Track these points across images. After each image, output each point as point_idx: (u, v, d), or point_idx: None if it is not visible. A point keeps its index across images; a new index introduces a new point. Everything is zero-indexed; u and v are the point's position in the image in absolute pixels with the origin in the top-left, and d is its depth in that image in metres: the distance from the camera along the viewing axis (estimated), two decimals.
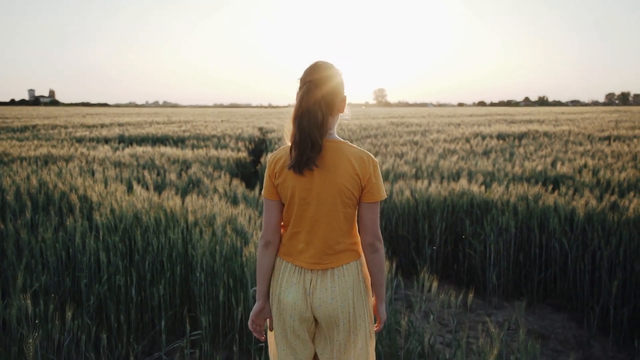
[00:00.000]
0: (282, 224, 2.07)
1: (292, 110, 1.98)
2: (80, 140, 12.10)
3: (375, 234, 2.00)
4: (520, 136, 12.22)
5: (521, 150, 9.32)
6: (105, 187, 5.64)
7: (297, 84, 2.00)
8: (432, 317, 3.59)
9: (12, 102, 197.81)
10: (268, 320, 2.13)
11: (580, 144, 10.29)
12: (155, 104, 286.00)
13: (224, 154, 9.09)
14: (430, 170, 7.45)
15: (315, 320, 2.04)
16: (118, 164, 7.63)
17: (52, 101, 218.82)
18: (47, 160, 7.83)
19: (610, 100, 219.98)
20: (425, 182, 6.09)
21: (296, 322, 2.01)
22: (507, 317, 4.69)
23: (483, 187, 5.72)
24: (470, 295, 3.38)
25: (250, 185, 8.06)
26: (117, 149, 10.02)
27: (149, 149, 9.35)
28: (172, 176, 6.62)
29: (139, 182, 6.40)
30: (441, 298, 3.75)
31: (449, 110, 65.43)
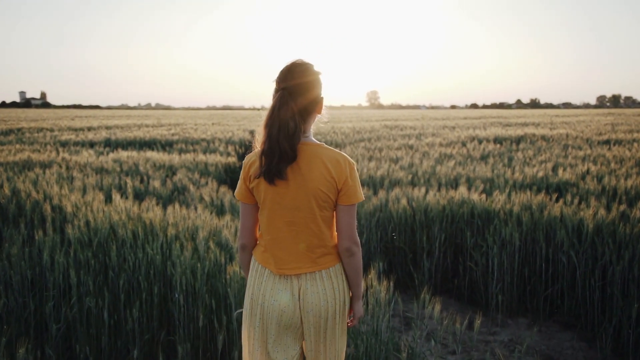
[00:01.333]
0: (257, 228, 2.06)
1: (265, 115, 1.92)
2: (64, 144, 11.71)
3: (352, 238, 1.97)
4: (518, 140, 11.95)
5: (520, 154, 9.04)
6: (83, 196, 5.28)
7: (273, 85, 1.95)
8: (433, 342, 3.26)
9: (3, 105, 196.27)
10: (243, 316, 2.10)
11: (580, 148, 10.03)
12: (148, 106, 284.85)
13: (212, 158, 8.74)
14: (427, 176, 7.14)
15: (302, 325, 2.03)
16: (100, 170, 7.26)
17: (44, 103, 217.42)
18: (25, 166, 7.46)
19: (602, 102, 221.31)
20: (423, 189, 5.77)
21: (281, 328, 2.00)
22: (512, 336, 4.38)
23: (484, 196, 5.41)
24: (478, 322, 3.05)
25: None
26: (101, 153, 9.65)
27: (134, 153, 8.99)
28: (156, 183, 6.27)
29: (120, 190, 6.05)
30: (441, 316, 3.43)
31: (442, 112, 65.36)
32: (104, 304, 3.47)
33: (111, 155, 8.81)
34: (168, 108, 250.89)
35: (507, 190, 5.69)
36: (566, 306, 4.53)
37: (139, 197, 6.05)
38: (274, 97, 1.92)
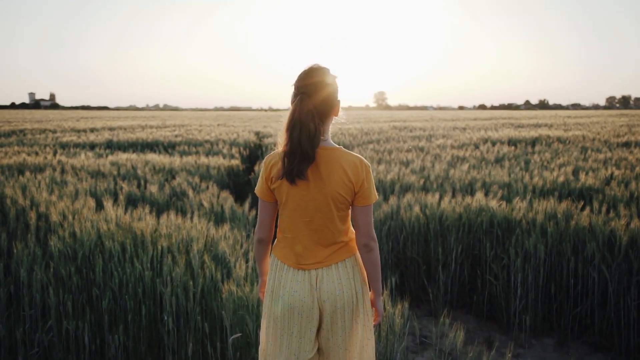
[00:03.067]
0: (276, 223, 2.16)
1: (286, 117, 2.00)
2: (65, 145, 11.40)
3: (370, 235, 2.07)
4: (532, 142, 11.51)
5: (536, 157, 8.60)
6: (73, 202, 4.92)
7: (292, 90, 2.02)
8: None
9: (13, 106, 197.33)
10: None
11: (599, 150, 9.58)
12: (156, 107, 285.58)
13: (214, 161, 8.37)
14: (439, 180, 6.73)
15: (320, 316, 2.07)
16: (96, 174, 6.91)
17: (53, 104, 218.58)
18: (19, 170, 7.12)
19: (611, 103, 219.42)
20: (437, 195, 5.36)
21: (303, 319, 2.05)
22: (537, 359, 3.99)
23: (503, 203, 5.00)
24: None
25: (241, 198, 7.36)
26: (100, 155, 9.31)
27: (133, 156, 8.64)
28: (153, 188, 5.91)
29: (114, 195, 5.69)
30: (459, 335, 3.05)
31: (450, 113, 64.71)
32: (84, 326, 3.11)
33: (110, 157, 8.47)
34: (176, 109, 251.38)
35: (528, 197, 5.28)
36: (597, 326, 4.12)
37: (134, 203, 5.69)
38: (292, 101, 2.00)
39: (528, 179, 6.48)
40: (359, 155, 2.06)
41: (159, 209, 5.63)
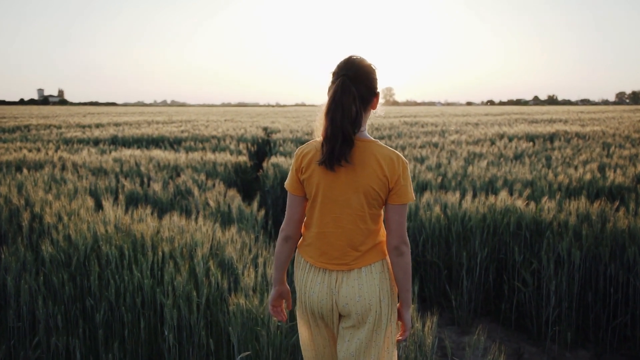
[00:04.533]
0: (304, 220, 2.04)
1: (323, 105, 1.90)
2: (68, 141, 11.12)
3: (402, 237, 1.92)
4: (550, 137, 11.11)
5: (557, 153, 8.22)
6: (71, 202, 4.61)
7: (330, 78, 1.93)
8: None
9: (21, 102, 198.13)
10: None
11: (621, 146, 9.18)
12: (163, 103, 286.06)
13: (221, 157, 8.04)
14: (458, 178, 6.37)
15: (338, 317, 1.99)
16: (97, 171, 6.61)
17: (61, 100, 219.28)
18: (17, 167, 6.84)
19: (621, 99, 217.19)
20: (457, 194, 5.01)
21: (325, 318, 1.99)
22: None
23: (532, 204, 4.63)
24: None
25: (249, 196, 7.03)
26: (104, 151, 9.02)
27: (137, 152, 8.32)
28: (156, 186, 5.59)
29: (115, 194, 5.38)
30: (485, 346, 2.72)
31: (460, 109, 64.03)
32: (76, 342, 2.79)
33: (113, 154, 8.17)
34: (183, 105, 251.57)
35: (557, 197, 4.92)
36: (638, 338, 3.77)
37: (136, 202, 5.38)
38: (330, 87, 1.90)
39: (552, 177, 6.11)
40: (396, 151, 1.92)
41: (163, 209, 5.32)
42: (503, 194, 4.85)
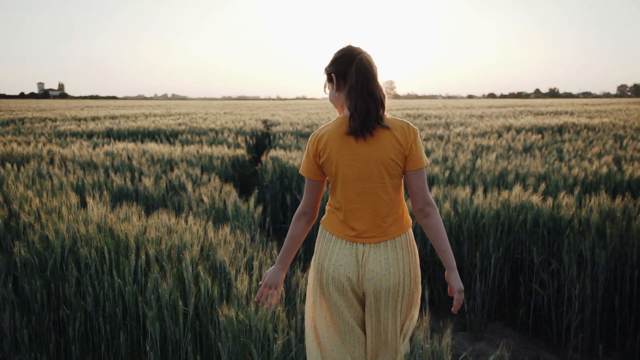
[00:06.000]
0: (328, 199, 2.07)
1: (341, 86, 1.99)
2: (61, 134, 10.79)
3: (425, 199, 1.97)
4: (559, 129, 10.76)
5: (568, 146, 7.88)
6: (53, 198, 4.28)
7: (332, 66, 2.00)
8: None
9: (22, 96, 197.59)
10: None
11: (634, 138, 8.83)
12: (164, 97, 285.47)
13: (218, 151, 7.71)
14: (467, 172, 6.04)
15: (363, 294, 2.00)
16: (87, 165, 6.28)
17: (62, 94, 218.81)
18: (2, 161, 6.51)
19: (622, 92, 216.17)
20: (468, 189, 4.68)
21: (348, 292, 1.99)
22: None
23: (550, 199, 4.30)
24: None
25: (246, 191, 6.71)
26: (97, 144, 8.69)
27: (131, 145, 7.99)
28: (147, 181, 5.26)
29: (102, 190, 5.05)
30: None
31: (462, 102, 63.48)
32: (44, 358, 2.47)
33: (105, 147, 7.83)
34: (184, 99, 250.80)
35: (576, 192, 4.59)
36: None
37: (127, 198, 5.06)
38: (343, 70, 1.97)
39: (566, 170, 5.78)
40: (405, 120, 1.99)
41: (153, 206, 5.00)
42: (517, 189, 4.51)
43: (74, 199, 4.22)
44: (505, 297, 4.26)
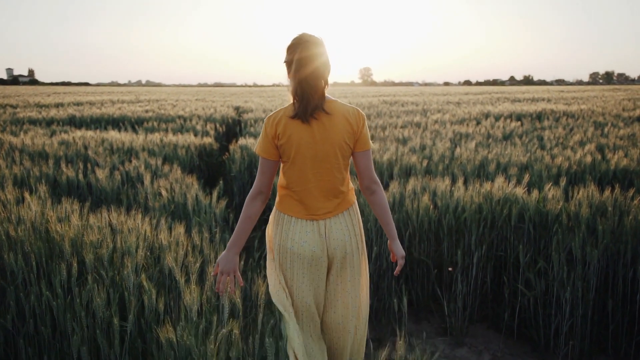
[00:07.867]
0: (283, 182, 2.18)
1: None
2: (17, 122, 10.18)
3: (371, 177, 2.20)
4: (538, 116, 10.54)
5: (548, 133, 7.63)
6: None
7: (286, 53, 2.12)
8: None
9: None
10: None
11: (615, 125, 8.63)
12: (138, 84, 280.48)
13: (184, 139, 7.25)
14: (445, 161, 5.72)
15: (329, 265, 2.20)
16: (37, 156, 5.78)
17: (31, 80, 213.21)
18: None
19: (595, 79, 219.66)
20: (447, 180, 4.35)
21: (312, 268, 2.16)
22: None
23: (535, 191, 3.99)
24: None
25: (213, 183, 6.28)
26: (54, 133, 8.14)
27: (89, 133, 7.48)
28: (100, 173, 4.81)
29: (50, 183, 4.59)
30: None
31: (439, 89, 63.39)
32: None
33: (62, 135, 7.31)
34: (159, 85, 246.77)
35: (562, 183, 4.29)
36: None
37: (75, 192, 4.61)
38: (292, 55, 2.07)
39: (549, 159, 5.50)
40: (354, 106, 2.16)
41: (106, 200, 4.56)
42: (499, 180, 4.19)
43: (12, 194, 3.76)
44: (488, 299, 3.96)
